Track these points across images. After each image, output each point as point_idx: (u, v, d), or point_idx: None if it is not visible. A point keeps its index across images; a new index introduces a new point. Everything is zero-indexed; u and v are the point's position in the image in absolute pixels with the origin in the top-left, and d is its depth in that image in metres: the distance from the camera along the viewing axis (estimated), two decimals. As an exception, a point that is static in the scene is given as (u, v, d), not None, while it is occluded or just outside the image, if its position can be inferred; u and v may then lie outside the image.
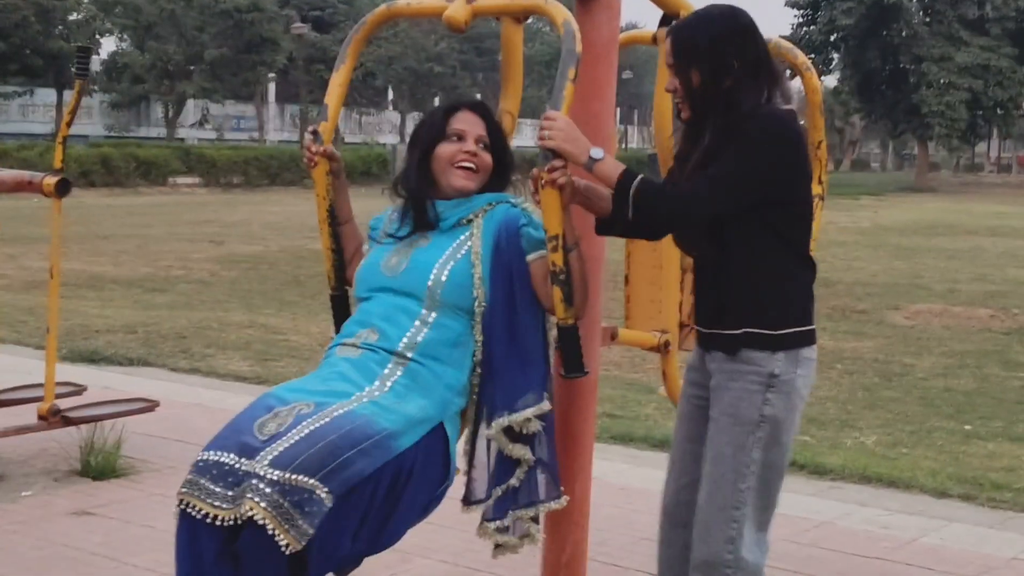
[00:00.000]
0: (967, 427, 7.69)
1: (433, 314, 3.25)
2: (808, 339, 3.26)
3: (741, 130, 3.11)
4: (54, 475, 5.64)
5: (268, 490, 2.81)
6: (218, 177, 37.94)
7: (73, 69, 5.74)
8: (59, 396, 5.97)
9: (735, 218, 3.17)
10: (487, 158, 3.43)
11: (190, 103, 55.11)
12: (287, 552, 2.81)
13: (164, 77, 51.42)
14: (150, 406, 6.14)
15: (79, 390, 6.23)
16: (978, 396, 8.75)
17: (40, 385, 6.04)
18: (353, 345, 3.27)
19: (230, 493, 2.87)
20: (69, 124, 5.63)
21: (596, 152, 3.16)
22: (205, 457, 2.95)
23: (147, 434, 6.25)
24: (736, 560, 3.24)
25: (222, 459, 2.92)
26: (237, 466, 2.89)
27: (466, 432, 3.35)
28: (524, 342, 3.28)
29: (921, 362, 10.14)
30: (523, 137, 43.40)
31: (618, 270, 4.46)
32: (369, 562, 3.15)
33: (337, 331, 3.47)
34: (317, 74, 55.07)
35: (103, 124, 55.07)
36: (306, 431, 2.93)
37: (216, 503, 2.87)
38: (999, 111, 53.84)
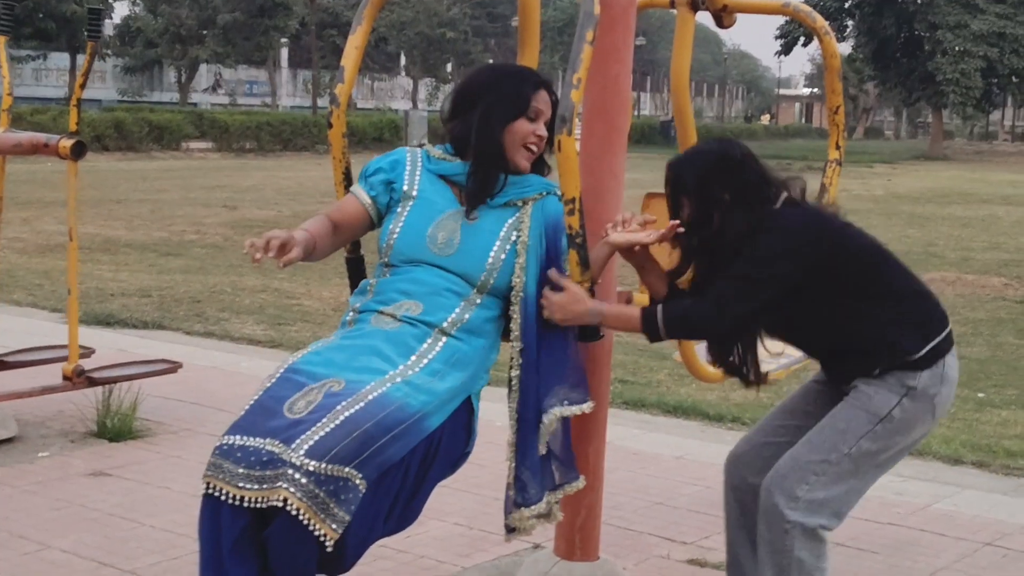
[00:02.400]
0: (980, 395, 7.68)
1: (480, 296, 3.25)
2: (944, 349, 3.33)
3: (754, 243, 3.18)
4: (71, 436, 5.68)
5: (304, 480, 2.76)
6: (231, 142, 38.00)
7: (85, 31, 5.74)
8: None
9: (809, 302, 3.23)
10: (544, 141, 3.38)
11: (203, 68, 55.09)
12: (327, 543, 2.78)
13: (177, 42, 51.37)
14: (173, 367, 6.16)
15: (87, 352, 6.23)
16: (992, 364, 8.75)
17: (56, 347, 6.08)
18: (391, 316, 3.20)
19: (256, 474, 2.81)
20: (83, 86, 5.63)
21: (596, 308, 3.23)
22: (230, 441, 2.89)
23: (163, 396, 6.28)
24: (798, 516, 3.25)
25: (247, 443, 2.86)
26: (262, 447, 2.83)
27: (510, 436, 3.29)
28: (568, 333, 3.29)
29: (934, 330, 10.11)
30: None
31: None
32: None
33: (353, 293, 3.43)
34: (329, 39, 54.97)
35: (116, 89, 55.12)
36: (340, 418, 2.87)
37: (241, 484, 2.81)
38: (1014, 79, 53.50)
